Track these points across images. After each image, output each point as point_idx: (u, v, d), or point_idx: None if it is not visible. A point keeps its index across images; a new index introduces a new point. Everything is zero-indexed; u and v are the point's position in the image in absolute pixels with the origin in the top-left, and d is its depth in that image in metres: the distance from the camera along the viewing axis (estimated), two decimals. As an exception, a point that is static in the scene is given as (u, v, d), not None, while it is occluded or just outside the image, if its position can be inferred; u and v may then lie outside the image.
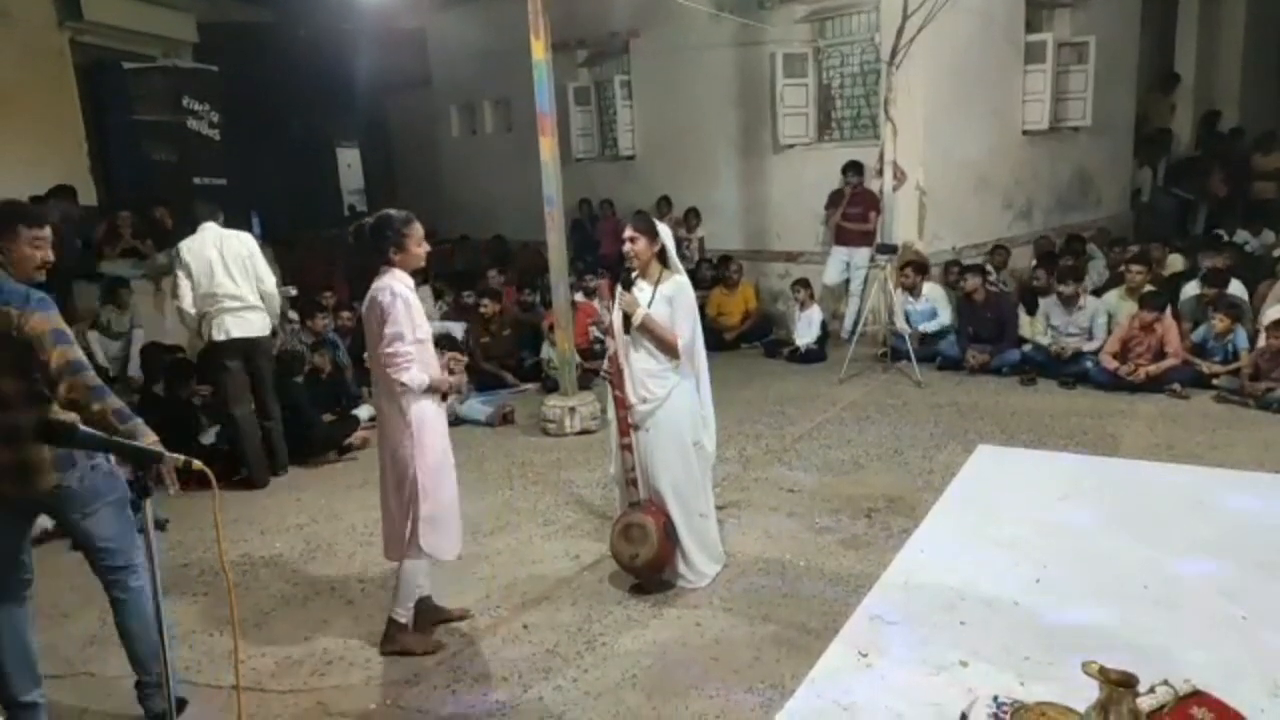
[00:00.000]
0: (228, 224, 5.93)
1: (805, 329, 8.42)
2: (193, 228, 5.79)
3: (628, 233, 3.96)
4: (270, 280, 5.90)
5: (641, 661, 3.49)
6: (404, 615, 3.67)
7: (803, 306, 8.49)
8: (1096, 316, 7.22)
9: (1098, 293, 7.79)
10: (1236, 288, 7.18)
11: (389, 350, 3.40)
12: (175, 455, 2.32)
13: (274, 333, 6.28)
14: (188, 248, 5.69)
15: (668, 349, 3.91)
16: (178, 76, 9.88)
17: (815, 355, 8.27)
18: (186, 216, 8.51)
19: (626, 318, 3.91)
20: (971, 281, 7.64)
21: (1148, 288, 7.16)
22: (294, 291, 7.94)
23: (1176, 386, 6.54)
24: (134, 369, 7.64)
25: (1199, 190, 11.05)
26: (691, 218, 10.00)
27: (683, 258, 4.17)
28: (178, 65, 10.23)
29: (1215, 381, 6.52)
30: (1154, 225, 10.79)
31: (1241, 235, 9.37)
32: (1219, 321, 6.67)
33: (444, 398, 3.65)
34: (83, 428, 2.27)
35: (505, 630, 3.81)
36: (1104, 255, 9.03)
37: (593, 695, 3.29)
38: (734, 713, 3.13)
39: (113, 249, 8.42)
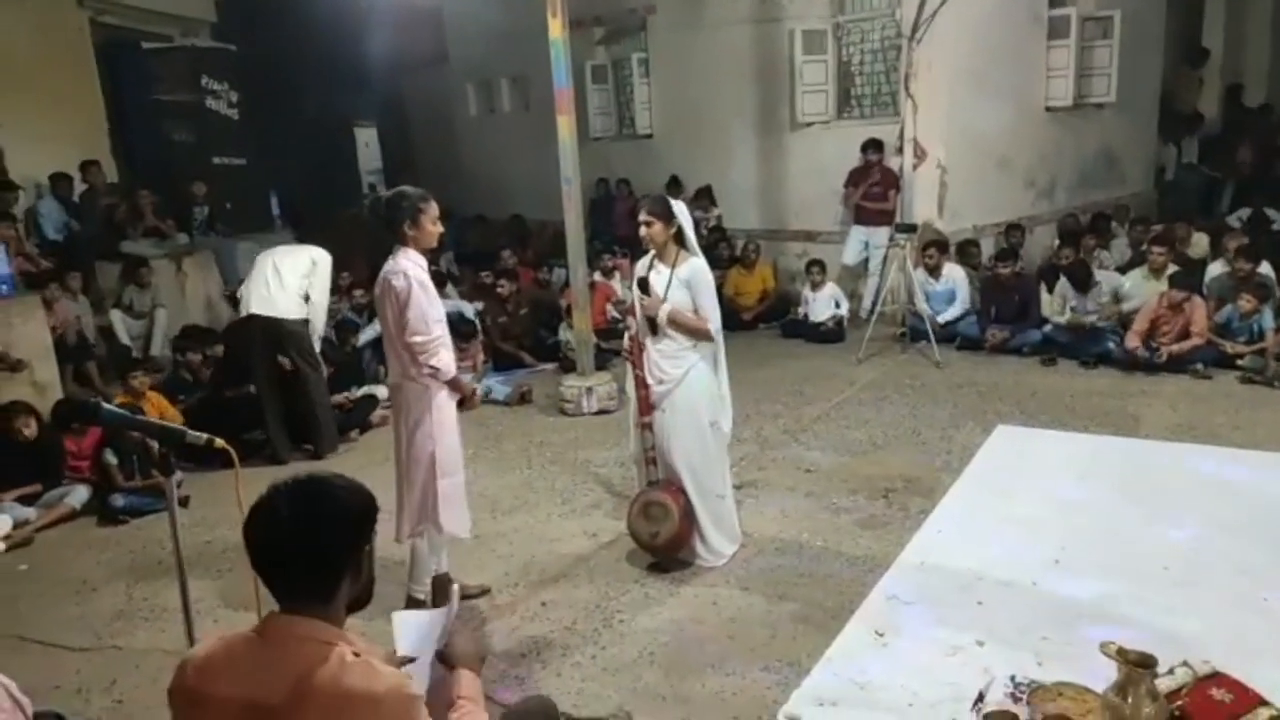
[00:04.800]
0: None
1: (819, 307, 8.41)
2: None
3: (642, 216, 3.94)
4: (321, 294, 6.03)
5: (659, 639, 3.51)
6: (422, 591, 3.71)
7: (815, 287, 8.46)
8: (1116, 288, 7.21)
9: (1122, 270, 7.72)
10: (1263, 267, 7.08)
11: (417, 339, 3.42)
12: (197, 434, 2.34)
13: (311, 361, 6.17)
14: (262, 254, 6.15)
15: (701, 336, 3.92)
16: (196, 56, 9.90)
17: (833, 335, 8.24)
18: (218, 193, 8.62)
19: (651, 320, 3.91)
20: (1005, 269, 7.58)
21: (1172, 268, 7.08)
22: None
23: (1199, 366, 6.47)
24: (156, 348, 7.72)
25: (1226, 167, 10.87)
26: (704, 198, 9.88)
27: (699, 237, 4.15)
28: (196, 45, 10.26)
29: (1239, 362, 6.44)
30: (1179, 203, 10.63)
31: (1271, 213, 9.21)
32: (1245, 301, 6.58)
33: (461, 402, 3.68)
34: (106, 406, 2.31)
35: (524, 608, 3.85)
36: (1126, 234, 8.92)
37: (610, 672, 3.32)
38: (750, 690, 3.15)
39: (134, 229, 8.49)
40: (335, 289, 7.87)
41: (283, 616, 1.64)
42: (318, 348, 6.11)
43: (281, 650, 1.59)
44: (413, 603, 3.71)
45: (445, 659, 1.98)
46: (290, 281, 5.87)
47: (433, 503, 3.55)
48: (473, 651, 2.02)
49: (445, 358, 3.49)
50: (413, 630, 2.03)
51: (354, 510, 1.68)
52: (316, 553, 1.62)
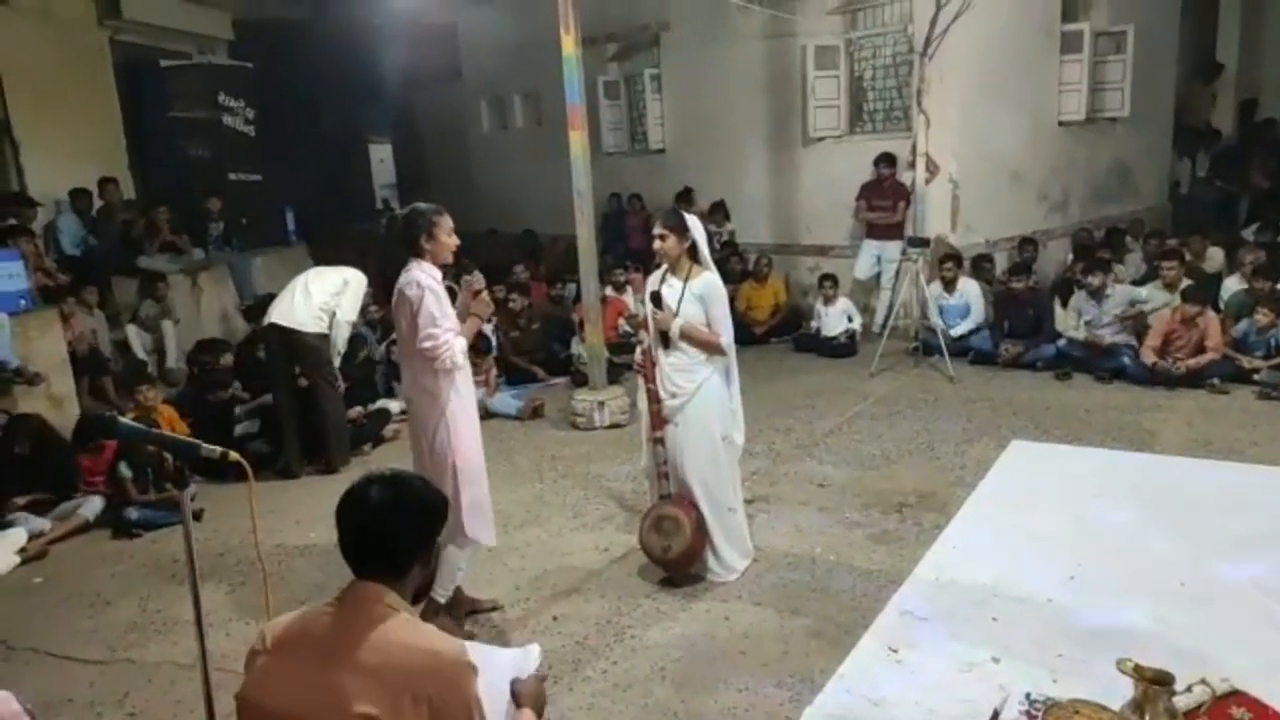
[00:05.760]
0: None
1: (832, 322, 8.41)
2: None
3: (657, 230, 3.95)
4: (348, 314, 6.07)
5: (670, 654, 3.50)
6: (443, 595, 3.71)
7: (827, 301, 8.46)
8: (1131, 299, 7.15)
9: (1138, 284, 7.68)
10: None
11: (427, 344, 3.45)
12: (212, 447, 2.35)
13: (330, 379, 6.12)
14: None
15: (713, 350, 3.92)
16: (213, 73, 10.01)
17: (846, 349, 8.22)
18: (234, 208, 8.71)
19: (664, 334, 3.92)
20: (1018, 284, 7.57)
21: (1186, 282, 7.04)
22: None
23: (1215, 381, 6.42)
24: (171, 362, 7.76)
25: (1241, 182, 10.82)
26: (718, 213, 9.86)
27: (711, 251, 4.16)
28: (213, 62, 10.38)
29: (1256, 377, 6.39)
30: (1194, 217, 10.58)
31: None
32: (1262, 316, 6.53)
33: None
34: (122, 420, 2.32)
35: (535, 622, 3.84)
36: (1140, 248, 8.88)
37: (622, 687, 3.30)
38: (763, 706, 3.13)
39: (151, 244, 8.57)
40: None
41: (359, 583, 1.84)
42: (336, 363, 6.15)
43: (352, 608, 1.80)
44: (432, 604, 3.70)
45: (515, 696, 2.15)
46: (317, 297, 5.91)
47: (459, 512, 3.55)
48: (537, 693, 2.21)
49: (455, 350, 3.50)
50: (493, 660, 2.18)
51: (432, 503, 1.94)
52: (397, 534, 1.86)
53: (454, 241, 3.65)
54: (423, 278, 3.50)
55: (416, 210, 3.64)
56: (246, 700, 1.80)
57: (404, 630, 1.77)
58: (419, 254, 3.56)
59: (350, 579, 1.86)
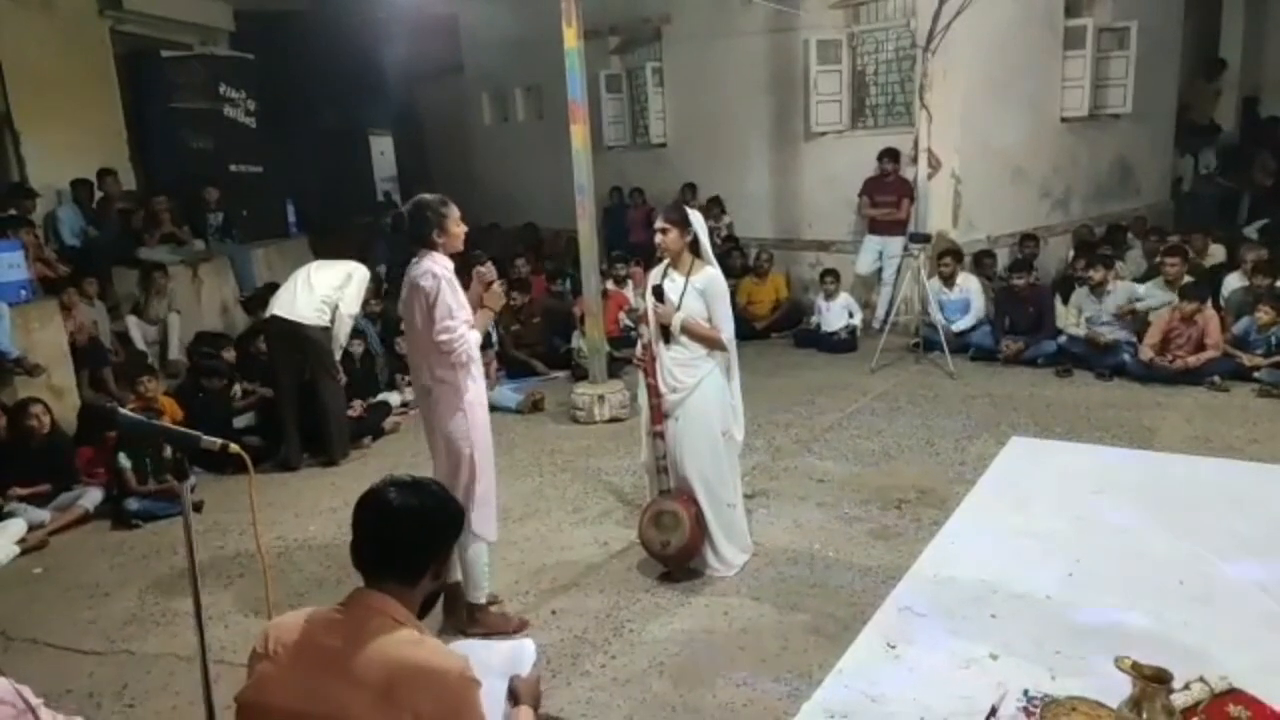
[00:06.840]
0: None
1: (833, 317, 8.40)
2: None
3: (659, 224, 3.94)
4: (350, 307, 6.06)
5: (669, 649, 3.50)
6: (482, 596, 3.71)
7: (829, 296, 8.46)
8: (1132, 296, 7.15)
9: (1139, 282, 7.67)
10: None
11: (444, 336, 3.41)
12: (212, 439, 2.34)
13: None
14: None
15: (713, 345, 3.92)
16: (214, 65, 9.99)
17: (846, 345, 8.22)
18: (235, 200, 8.65)
19: (664, 328, 3.91)
20: (1020, 280, 7.56)
21: (1187, 278, 7.03)
22: None
23: (1216, 379, 6.41)
24: (174, 352, 7.76)
25: (1242, 179, 10.81)
26: (714, 206, 9.86)
27: (711, 245, 4.15)
28: (214, 53, 10.35)
29: (1256, 374, 6.38)
30: (1196, 215, 10.57)
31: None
32: (1263, 314, 6.52)
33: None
34: (123, 411, 2.32)
35: (534, 616, 3.84)
36: (1141, 245, 8.87)
37: (620, 682, 3.31)
38: (761, 702, 3.13)
39: (152, 235, 8.56)
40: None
41: (367, 591, 1.82)
42: (338, 356, 6.14)
43: (358, 619, 1.77)
44: (474, 609, 3.69)
45: (512, 693, 2.13)
46: (320, 290, 5.90)
47: (469, 505, 3.52)
48: (535, 693, 2.20)
49: (470, 343, 3.49)
50: (488, 656, 2.16)
51: (449, 511, 1.93)
52: (415, 541, 1.84)
53: (463, 229, 3.61)
54: (437, 268, 3.45)
55: (423, 204, 3.55)
56: (247, 703, 1.78)
57: (409, 647, 1.74)
58: (431, 248, 3.52)
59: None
